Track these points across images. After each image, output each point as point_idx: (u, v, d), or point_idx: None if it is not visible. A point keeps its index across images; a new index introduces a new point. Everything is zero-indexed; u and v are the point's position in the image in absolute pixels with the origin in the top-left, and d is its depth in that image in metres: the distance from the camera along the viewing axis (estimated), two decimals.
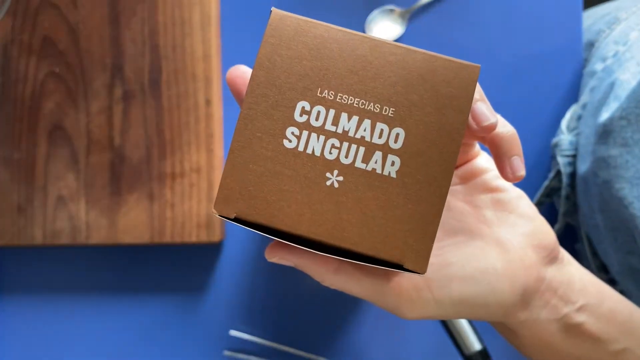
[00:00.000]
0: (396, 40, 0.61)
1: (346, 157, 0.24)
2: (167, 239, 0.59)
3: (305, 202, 0.24)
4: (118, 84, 0.59)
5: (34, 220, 0.59)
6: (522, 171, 0.31)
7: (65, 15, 0.60)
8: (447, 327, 0.49)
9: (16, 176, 0.59)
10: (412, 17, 0.61)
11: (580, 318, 0.36)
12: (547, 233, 0.35)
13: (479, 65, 0.26)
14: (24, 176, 0.59)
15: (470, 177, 0.35)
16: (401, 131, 0.24)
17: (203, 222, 0.59)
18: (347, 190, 0.24)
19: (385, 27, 0.62)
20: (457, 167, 0.34)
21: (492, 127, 0.28)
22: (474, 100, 0.27)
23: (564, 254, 0.38)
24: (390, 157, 0.24)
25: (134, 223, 0.59)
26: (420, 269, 0.24)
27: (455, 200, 0.34)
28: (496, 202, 0.34)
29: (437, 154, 0.24)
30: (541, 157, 0.61)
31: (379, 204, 0.24)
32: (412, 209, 0.24)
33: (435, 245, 0.32)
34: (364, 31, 0.61)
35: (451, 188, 0.34)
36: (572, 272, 0.37)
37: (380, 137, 0.24)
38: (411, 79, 0.24)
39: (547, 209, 0.60)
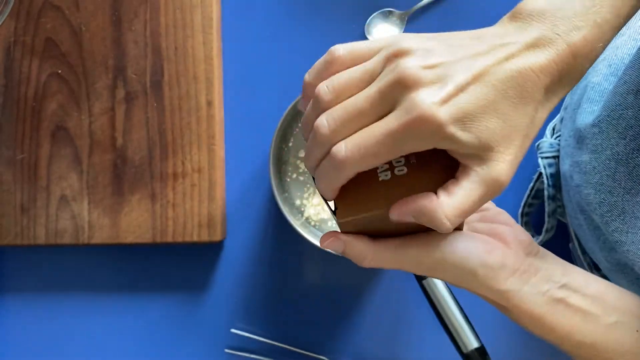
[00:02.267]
0: None
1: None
2: (169, 238, 0.59)
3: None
4: (120, 85, 0.60)
5: (37, 220, 0.60)
6: None
7: (67, 17, 0.60)
8: (446, 325, 0.50)
9: (19, 176, 0.60)
10: (411, 19, 0.62)
11: (562, 294, 0.38)
12: (522, 233, 0.41)
13: None
14: (27, 176, 0.60)
15: None
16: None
17: (204, 222, 0.59)
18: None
19: (384, 30, 0.62)
20: None
21: None
22: None
23: (547, 253, 0.41)
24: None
25: (136, 223, 0.60)
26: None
27: None
28: (482, 217, 0.42)
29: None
30: (529, 160, 0.62)
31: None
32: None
33: None
34: (363, 33, 0.62)
35: None
36: (554, 262, 0.40)
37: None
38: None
39: (539, 210, 0.61)
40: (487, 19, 0.61)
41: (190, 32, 0.60)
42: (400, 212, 0.34)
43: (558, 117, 0.59)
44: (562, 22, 0.32)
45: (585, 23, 0.32)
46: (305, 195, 0.60)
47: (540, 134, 0.61)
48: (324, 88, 0.34)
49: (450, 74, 0.31)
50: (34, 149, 0.60)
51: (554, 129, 0.59)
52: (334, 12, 0.63)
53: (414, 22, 0.62)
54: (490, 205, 0.43)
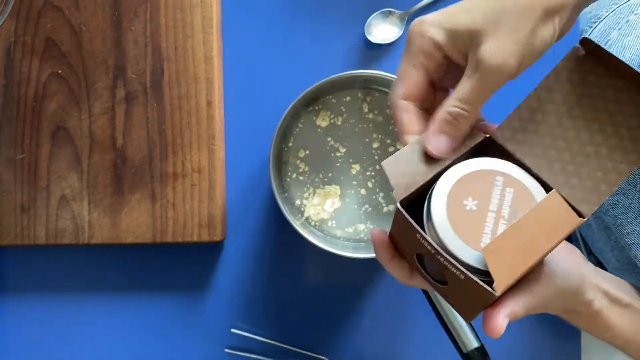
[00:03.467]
0: (394, 42, 0.62)
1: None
2: (169, 238, 0.59)
3: None
4: (120, 85, 0.60)
5: (37, 219, 0.60)
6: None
7: (67, 17, 0.60)
8: (445, 325, 0.50)
9: (19, 176, 0.60)
10: (411, 19, 0.62)
11: (616, 295, 0.42)
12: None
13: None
14: (27, 176, 0.60)
15: None
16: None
17: (204, 222, 0.59)
18: None
19: (384, 30, 0.62)
20: None
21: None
22: None
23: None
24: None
25: (136, 223, 0.60)
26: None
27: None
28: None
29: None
30: None
31: None
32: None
33: None
34: (363, 33, 0.62)
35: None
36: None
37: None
38: None
39: None
40: None
41: (190, 32, 0.60)
42: None
43: None
44: None
45: None
46: (305, 195, 0.60)
47: None
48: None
49: None
50: (34, 149, 0.60)
51: None
52: (334, 12, 0.63)
53: None
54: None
